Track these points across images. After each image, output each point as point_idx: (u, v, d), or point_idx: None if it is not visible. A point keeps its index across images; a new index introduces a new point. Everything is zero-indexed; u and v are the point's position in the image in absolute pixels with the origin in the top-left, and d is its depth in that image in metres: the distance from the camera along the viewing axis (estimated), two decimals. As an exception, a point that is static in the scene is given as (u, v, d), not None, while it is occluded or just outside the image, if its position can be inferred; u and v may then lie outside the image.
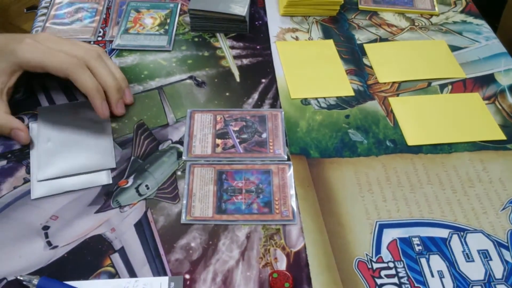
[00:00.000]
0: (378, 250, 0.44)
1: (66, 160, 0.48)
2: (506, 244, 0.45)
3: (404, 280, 0.42)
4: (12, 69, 0.49)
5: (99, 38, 0.62)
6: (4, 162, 0.49)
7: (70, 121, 0.52)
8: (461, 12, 0.70)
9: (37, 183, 0.47)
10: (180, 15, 0.66)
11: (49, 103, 0.54)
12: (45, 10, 0.65)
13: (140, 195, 0.47)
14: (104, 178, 0.48)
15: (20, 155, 0.49)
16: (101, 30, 0.63)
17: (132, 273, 0.41)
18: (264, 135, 0.52)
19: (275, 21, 0.67)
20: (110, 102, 0.51)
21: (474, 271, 0.43)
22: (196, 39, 0.63)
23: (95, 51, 0.50)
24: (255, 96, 0.57)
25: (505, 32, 0.78)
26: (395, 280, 0.42)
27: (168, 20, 0.64)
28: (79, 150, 0.49)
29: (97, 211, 0.45)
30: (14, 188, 0.47)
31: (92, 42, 0.61)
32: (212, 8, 0.62)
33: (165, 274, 0.41)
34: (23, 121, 0.52)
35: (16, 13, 1.45)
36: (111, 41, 0.61)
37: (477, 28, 0.68)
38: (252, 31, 0.65)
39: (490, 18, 0.73)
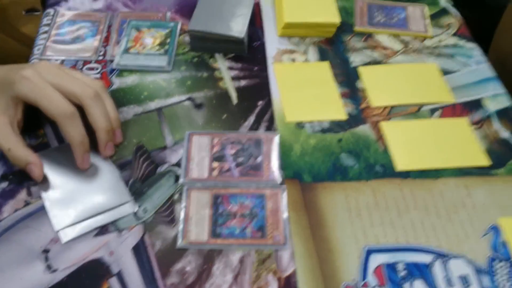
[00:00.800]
0: (364, 275, 0.46)
1: (80, 205, 0.49)
2: (486, 270, 0.47)
3: (388, 305, 0.44)
4: (14, 102, 0.49)
5: (100, 57, 0.63)
6: (5, 184, 0.50)
7: (66, 165, 0.51)
8: (454, 34, 0.72)
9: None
10: (180, 34, 0.67)
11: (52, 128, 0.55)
12: (46, 28, 0.66)
13: (138, 218, 0.48)
14: (128, 209, 0.49)
15: (20, 177, 0.51)
16: (102, 49, 0.64)
17: (130, 297, 0.43)
18: (259, 159, 0.54)
19: (272, 42, 0.68)
20: (99, 144, 0.51)
21: (454, 297, 0.45)
22: (195, 60, 0.65)
23: (93, 89, 0.50)
24: (252, 118, 0.58)
25: (495, 54, 0.80)
26: (380, 305, 0.44)
27: (168, 40, 0.66)
28: (89, 192, 0.50)
29: (96, 235, 0.47)
30: (15, 211, 0.48)
31: (93, 61, 0.63)
32: (211, 29, 0.63)
33: (161, 297, 0.43)
34: None
35: (15, 14, 1.46)
36: (112, 61, 0.63)
37: (469, 51, 0.69)
38: (250, 52, 0.66)
39: (481, 40, 0.75)
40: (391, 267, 0.47)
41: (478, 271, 0.47)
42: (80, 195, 0.50)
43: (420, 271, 0.47)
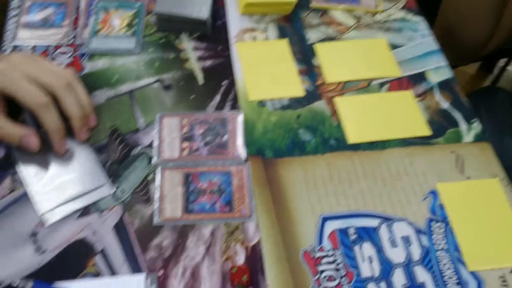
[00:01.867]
0: (320, 241, 0.50)
1: (60, 189, 0.49)
2: (424, 230, 0.51)
3: (340, 266, 0.48)
4: None
5: (71, 41, 0.61)
6: (-11, 172, 0.51)
7: (45, 151, 0.51)
8: (402, 8, 0.72)
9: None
10: (146, 14, 0.66)
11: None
12: (15, 12, 0.63)
13: (117, 199, 0.50)
14: (106, 190, 0.50)
15: (4, 164, 0.51)
16: (72, 32, 0.62)
17: (113, 272, 0.45)
18: (225, 137, 0.55)
19: (234, 21, 0.68)
20: (74, 130, 0.52)
21: (397, 255, 0.49)
22: (162, 41, 0.64)
23: (65, 79, 0.50)
24: (217, 98, 0.59)
25: (441, 26, 0.81)
26: (333, 266, 0.48)
27: (135, 21, 0.64)
28: (68, 176, 0.50)
29: (79, 216, 0.48)
30: (2, 197, 0.49)
31: (64, 45, 0.61)
32: (176, 12, 0.62)
33: (141, 271, 0.45)
34: None
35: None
36: (82, 44, 0.61)
37: (415, 25, 0.70)
38: (213, 31, 0.66)
39: (428, 11, 0.76)
40: (344, 232, 0.50)
41: (418, 231, 0.51)
42: (60, 179, 0.50)
43: (368, 234, 0.50)
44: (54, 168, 0.51)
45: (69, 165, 0.51)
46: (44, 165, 0.51)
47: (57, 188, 0.49)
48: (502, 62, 1.37)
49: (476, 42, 0.82)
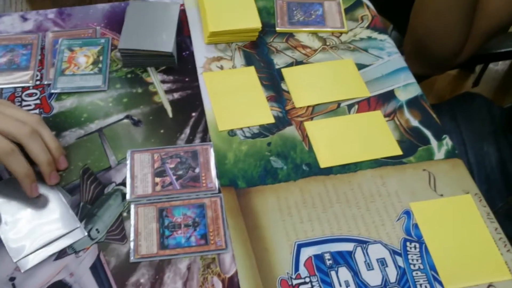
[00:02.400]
0: (296, 268, 0.53)
1: (33, 235, 0.52)
2: (399, 251, 0.55)
3: (318, 291, 0.52)
4: None
5: (38, 82, 0.65)
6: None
7: (16, 197, 0.55)
8: (367, 27, 0.78)
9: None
10: (111, 50, 0.70)
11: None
12: (-20, 55, 0.67)
13: (92, 239, 0.53)
14: (78, 234, 0.53)
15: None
16: (38, 73, 0.66)
17: (92, 314, 0.48)
18: (197, 170, 0.59)
19: (200, 51, 0.72)
20: (43, 175, 0.55)
21: (373, 278, 0.53)
22: (129, 76, 0.68)
23: (29, 126, 0.53)
24: (187, 131, 0.63)
25: (412, 41, 0.86)
26: (311, 292, 0.52)
27: (101, 57, 0.68)
28: (40, 222, 0.54)
29: (56, 258, 0.51)
30: (-23, 245, 0.52)
31: (31, 87, 0.65)
32: (140, 46, 0.66)
33: (120, 311, 0.49)
34: None
35: None
36: (49, 84, 0.65)
37: (381, 43, 0.76)
38: (180, 63, 0.70)
39: (398, 25, 0.81)
40: (319, 257, 0.54)
41: (394, 252, 0.55)
42: (31, 226, 0.53)
43: (344, 258, 0.54)
44: (25, 214, 0.54)
45: (39, 211, 0.54)
46: (15, 212, 0.54)
47: (29, 235, 0.53)
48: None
49: (449, 53, 0.87)
